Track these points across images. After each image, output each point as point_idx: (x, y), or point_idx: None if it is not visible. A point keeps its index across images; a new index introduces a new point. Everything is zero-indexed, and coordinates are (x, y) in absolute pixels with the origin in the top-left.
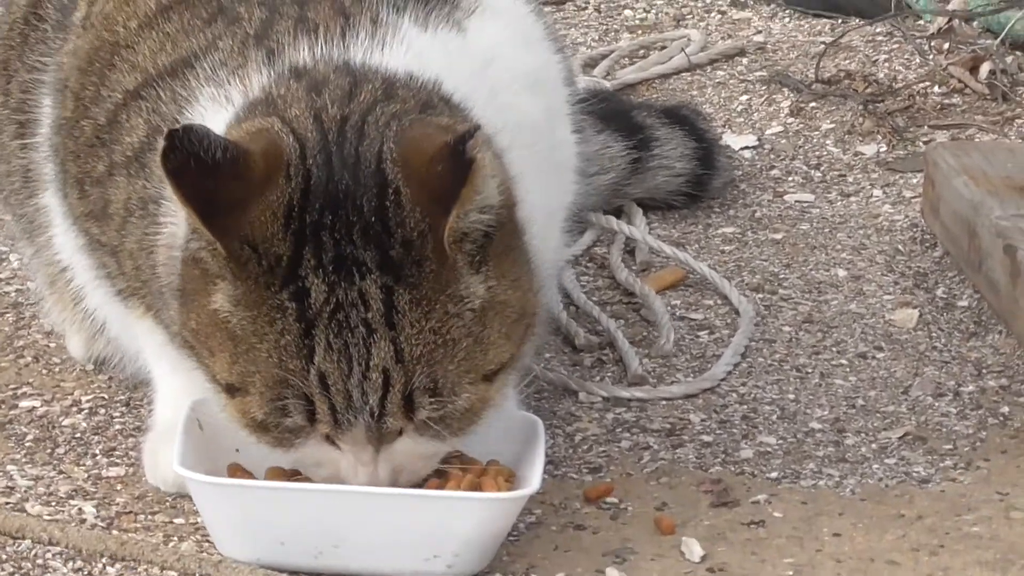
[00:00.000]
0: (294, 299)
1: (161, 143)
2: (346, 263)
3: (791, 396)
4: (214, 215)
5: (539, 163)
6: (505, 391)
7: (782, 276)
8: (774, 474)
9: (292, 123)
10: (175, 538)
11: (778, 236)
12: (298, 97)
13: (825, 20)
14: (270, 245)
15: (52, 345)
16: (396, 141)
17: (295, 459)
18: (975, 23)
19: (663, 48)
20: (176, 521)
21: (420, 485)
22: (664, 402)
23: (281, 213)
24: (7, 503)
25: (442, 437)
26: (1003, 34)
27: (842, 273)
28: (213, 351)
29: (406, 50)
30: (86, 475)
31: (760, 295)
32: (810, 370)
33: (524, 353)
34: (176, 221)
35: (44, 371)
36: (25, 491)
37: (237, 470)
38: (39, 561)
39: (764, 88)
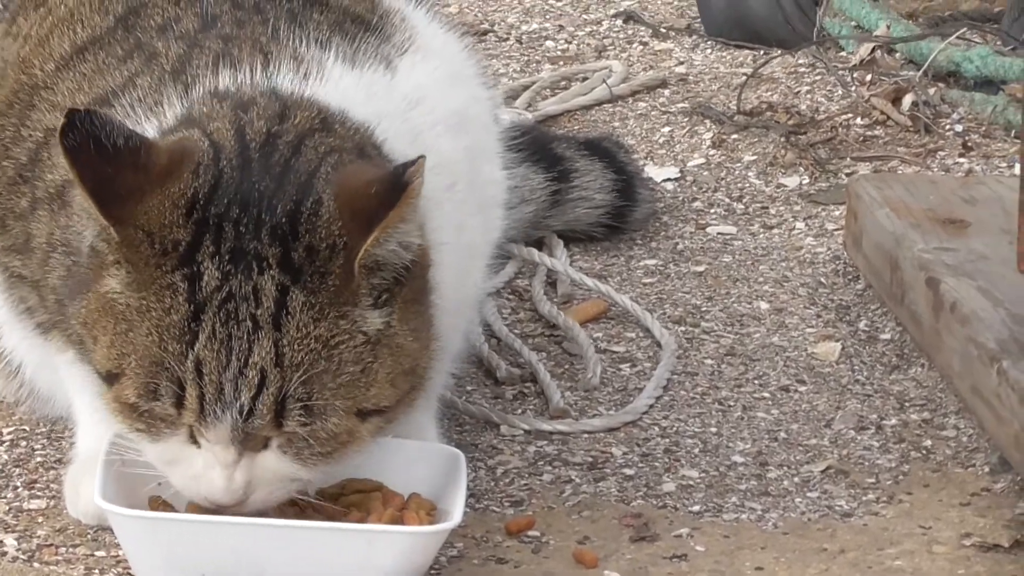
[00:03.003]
0: (185, 281)
1: (61, 120)
2: (246, 256)
3: (713, 429)
4: (110, 200)
5: (460, 203)
6: (366, 443)
7: (704, 309)
8: (696, 507)
9: (212, 134)
10: (96, 571)
11: (700, 268)
12: (222, 113)
13: (747, 51)
14: (168, 232)
15: None
16: (334, 167)
17: (157, 455)
18: (897, 54)
19: (585, 79)
20: (98, 554)
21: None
22: (586, 435)
23: (183, 203)
24: None
25: (303, 460)
26: (925, 65)
27: (764, 306)
28: (96, 338)
29: (332, 88)
30: (7, 507)
31: (682, 328)
32: (732, 403)
33: (400, 413)
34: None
35: None
36: None
37: (158, 503)
38: None
39: (686, 120)
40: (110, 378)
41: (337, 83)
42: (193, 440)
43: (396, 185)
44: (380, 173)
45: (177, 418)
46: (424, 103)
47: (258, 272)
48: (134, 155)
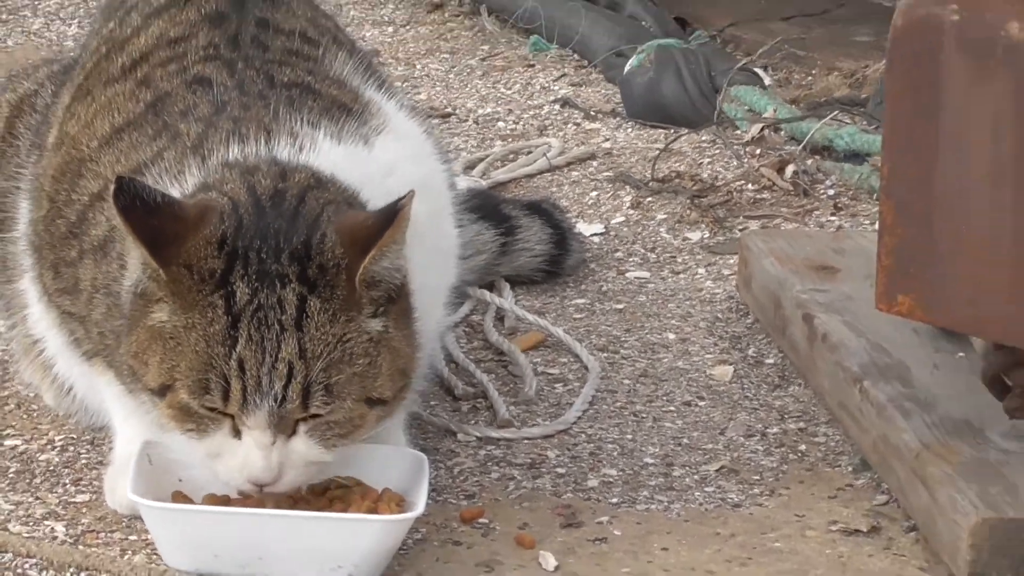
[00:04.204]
0: (223, 299)
1: (112, 186)
2: (270, 275)
3: (629, 436)
4: (157, 247)
5: (426, 253)
6: (373, 428)
7: (623, 339)
8: (615, 500)
9: (226, 192)
10: (129, 552)
11: (620, 306)
12: (231, 178)
13: (660, 130)
14: (204, 263)
15: (31, 395)
16: (334, 212)
17: (206, 451)
18: (782, 132)
19: (529, 153)
20: (131, 538)
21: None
22: (526, 441)
23: (215, 241)
24: None
25: (325, 442)
26: (805, 141)
27: (672, 336)
28: (147, 363)
29: (322, 158)
30: (57, 500)
31: (605, 354)
32: (645, 415)
33: (394, 409)
34: (129, 270)
35: (24, 416)
36: (8, 514)
37: (179, 496)
38: (19, 571)
39: (610, 185)
40: (162, 391)
41: (327, 154)
42: (235, 433)
43: (390, 214)
44: (373, 212)
45: (223, 410)
46: (395, 173)
47: (281, 286)
48: (171, 210)
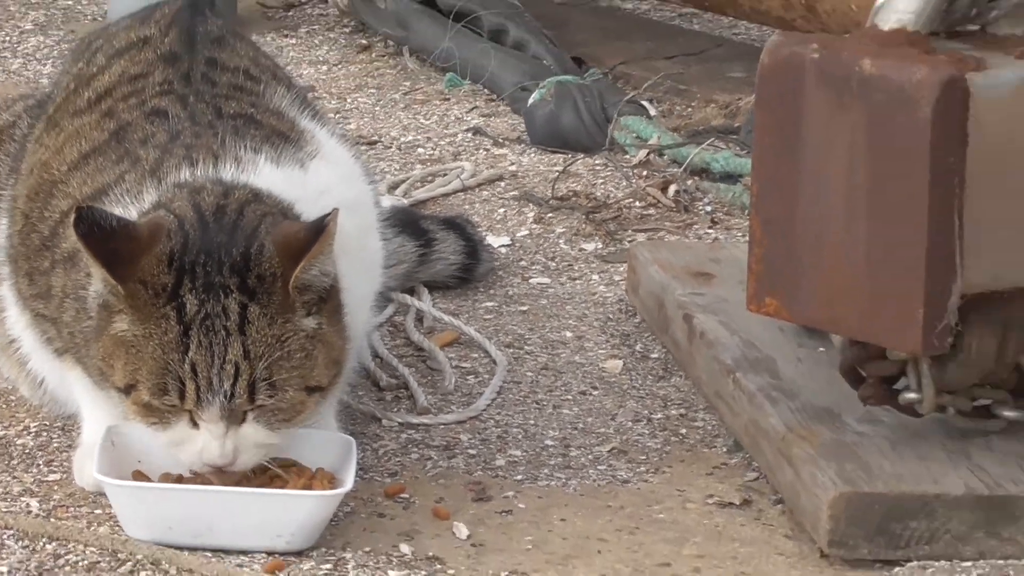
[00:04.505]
0: (175, 311)
1: (71, 216)
2: (214, 287)
3: (532, 422)
4: (114, 266)
5: (354, 263)
6: (313, 412)
7: (527, 337)
8: (519, 477)
9: (175, 210)
10: (95, 524)
11: (524, 308)
12: (180, 196)
13: (559, 155)
14: (157, 279)
15: (9, 388)
16: (269, 225)
17: (168, 440)
18: (665, 156)
19: (445, 175)
20: (96, 512)
21: (265, 485)
22: (442, 426)
23: (164, 258)
24: None
25: (272, 427)
26: (685, 164)
27: (569, 334)
28: (113, 365)
29: (263, 180)
30: (32, 479)
31: (511, 350)
32: (546, 403)
33: (330, 394)
34: (93, 284)
35: (3, 406)
36: None
37: (139, 475)
38: None
39: (516, 203)
40: (127, 389)
41: (267, 177)
42: (193, 424)
43: (317, 228)
44: (304, 224)
45: (181, 407)
46: (328, 193)
47: (224, 296)
48: (125, 232)
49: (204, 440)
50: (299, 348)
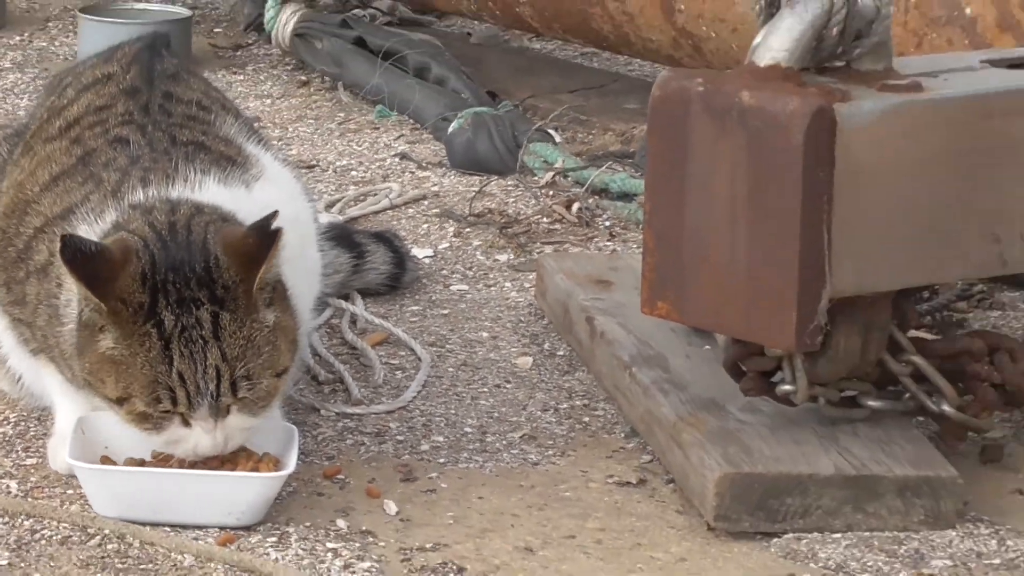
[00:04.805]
0: (155, 328)
1: (58, 243)
2: (186, 302)
3: (453, 411)
4: (96, 286)
5: (296, 272)
6: (284, 390)
7: (448, 337)
8: (442, 460)
9: (135, 231)
10: (68, 503)
11: (446, 312)
12: (136, 217)
13: (475, 177)
14: (134, 297)
15: None
16: (214, 233)
17: (163, 441)
18: (569, 178)
19: (375, 195)
20: (68, 492)
21: (220, 467)
22: (373, 415)
23: (139, 277)
24: None
25: (254, 412)
26: (586, 185)
27: (485, 335)
28: (104, 380)
29: (210, 197)
30: (12, 464)
31: (434, 348)
32: (465, 395)
33: (292, 371)
34: (72, 304)
35: None
36: None
37: (106, 459)
38: None
39: (438, 219)
40: (120, 401)
41: (214, 195)
42: (185, 424)
43: (268, 235)
44: (245, 228)
45: (173, 412)
46: (270, 210)
47: (196, 309)
48: (102, 255)
49: (197, 436)
50: (265, 341)
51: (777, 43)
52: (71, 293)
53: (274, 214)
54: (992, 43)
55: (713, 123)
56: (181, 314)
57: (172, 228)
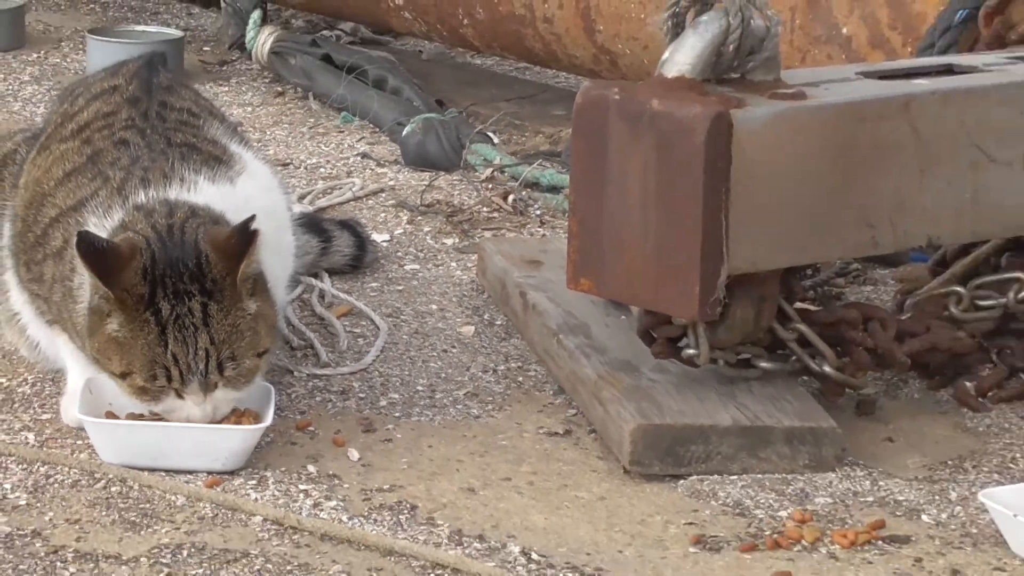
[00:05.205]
0: (154, 315)
1: (74, 239)
2: (180, 293)
3: (407, 372)
4: (106, 277)
5: (272, 255)
6: (265, 367)
7: (403, 309)
8: (397, 414)
9: (140, 232)
10: (78, 452)
11: (400, 288)
12: (140, 219)
13: (426, 173)
14: (136, 289)
15: (12, 350)
16: (204, 234)
17: (161, 410)
18: (505, 173)
19: (340, 188)
20: (78, 443)
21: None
22: (339, 376)
23: (140, 271)
24: None
25: (238, 387)
26: (521, 179)
27: (434, 307)
28: (109, 358)
29: (202, 195)
30: (30, 419)
31: (391, 319)
32: (417, 359)
33: (272, 353)
34: (83, 287)
35: (8, 363)
36: None
37: (110, 414)
38: (3, 465)
39: (394, 209)
40: (123, 376)
41: (205, 192)
42: (179, 396)
43: (248, 235)
44: (230, 229)
45: (168, 387)
46: (251, 202)
47: (188, 300)
48: (111, 251)
49: (188, 408)
50: (248, 327)
51: (682, 58)
52: (83, 277)
53: (252, 217)
54: (865, 58)
55: (627, 126)
56: (176, 304)
57: (170, 230)
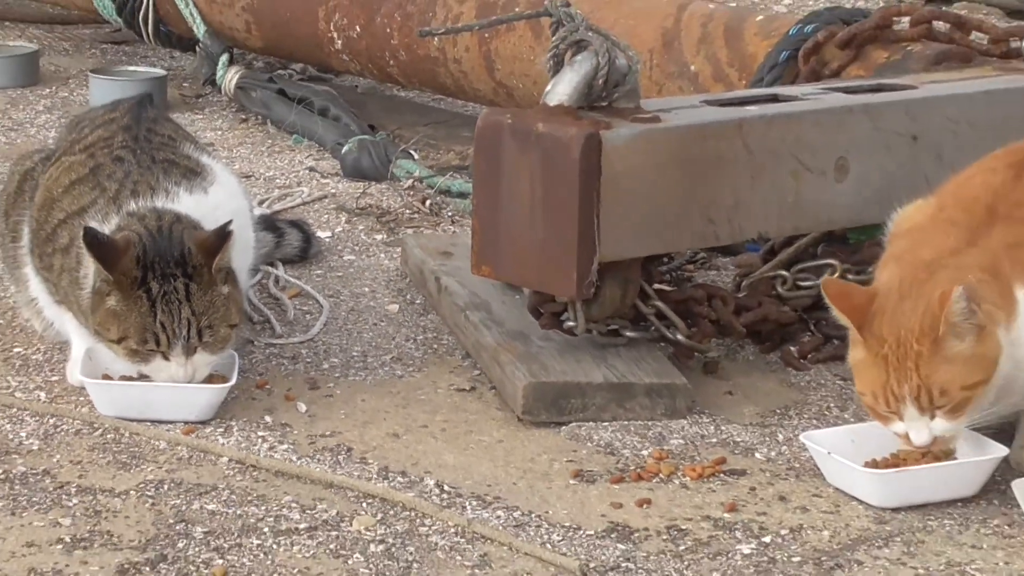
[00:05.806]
0: (145, 293)
1: (81, 233)
2: (168, 276)
3: (345, 341)
4: (108, 264)
5: (238, 248)
6: (235, 339)
7: (342, 291)
8: (337, 375)
9: (134, 231)
10: (80, 406)
11: (340, 274)
12: (133, 223)
13: (360, 183)
14: (131, 272)
15: (29, 326)
16: (187, 234)
17: (149, 370)
18: (424, 183)
19: (291, 195)
20: (81, 399)
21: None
22: (290, 345)
23: (135, 259)
24: (5, 391)
25: (213, 352)
26: (436, 187)
27: (367, 289)
28: (109, 327)
29: (181, 204)
30: (42, 380)
31: (332, 299)
32: (353, 331)
33: (241, 327)
34: (88, 276)
35: (25, 336)
36: (15, 386)
37: (106, 376)
38: (19, 418)
39: (335, 212)
40: (119, 341)
41: (184, 202)
42: (165, 358)
43: (223, 235)
44: (210, 231)
45: (157, 350)
46: (221, 208)
47: (174, 280)
48: (111, 244)
49: (173, 369)
50: (221, 304)
51: (561, 90)
52: (88, 269)
53: (230, 222)
54: (709, 89)
55: (518, 144)
56: (164, 284)
57: (159, 230)
